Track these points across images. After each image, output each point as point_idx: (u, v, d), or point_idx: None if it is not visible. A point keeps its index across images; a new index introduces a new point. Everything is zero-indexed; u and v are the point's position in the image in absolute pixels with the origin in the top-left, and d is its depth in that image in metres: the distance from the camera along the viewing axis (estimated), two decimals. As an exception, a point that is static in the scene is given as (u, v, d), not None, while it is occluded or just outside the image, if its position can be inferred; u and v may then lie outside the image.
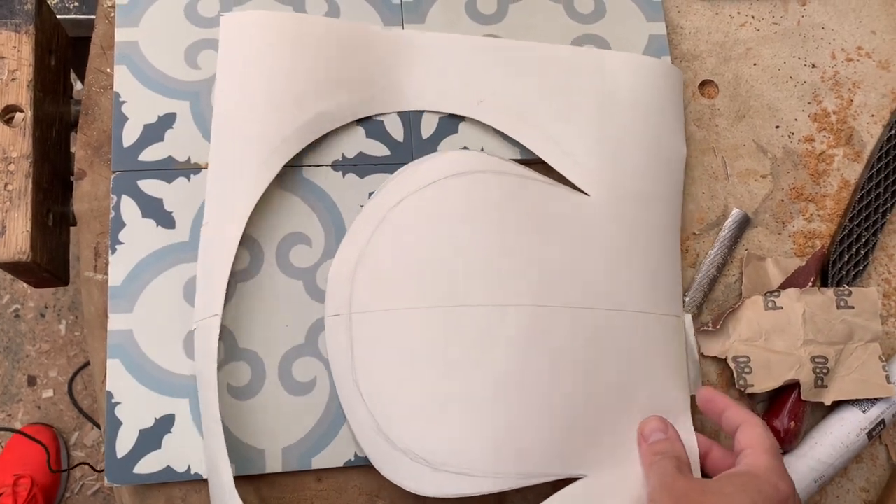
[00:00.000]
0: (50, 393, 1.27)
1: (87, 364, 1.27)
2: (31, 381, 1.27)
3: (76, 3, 0.72)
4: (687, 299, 0.54)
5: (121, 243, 0.49)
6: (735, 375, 0.52)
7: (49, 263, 0.53)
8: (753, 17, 0.60)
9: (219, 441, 0.44)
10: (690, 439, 0.47)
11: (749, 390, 0.52)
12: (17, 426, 1.25)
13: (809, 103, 0.59)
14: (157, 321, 0.49)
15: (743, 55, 0.60)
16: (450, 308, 0.47)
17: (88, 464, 1.16)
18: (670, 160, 0.54)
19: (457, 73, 0.54)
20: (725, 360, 0.53)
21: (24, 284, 1.28)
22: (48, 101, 0.55)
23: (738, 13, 0.60)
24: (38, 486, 1.17)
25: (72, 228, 0.57)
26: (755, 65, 0.59)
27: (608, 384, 0.47)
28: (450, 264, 0.48)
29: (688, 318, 0.53)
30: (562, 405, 0.46)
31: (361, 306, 0.48)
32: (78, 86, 0.70)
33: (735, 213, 0.56)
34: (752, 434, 0.43)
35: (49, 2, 0.67)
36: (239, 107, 0.50)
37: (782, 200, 0.57)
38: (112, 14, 0.55)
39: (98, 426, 1.24)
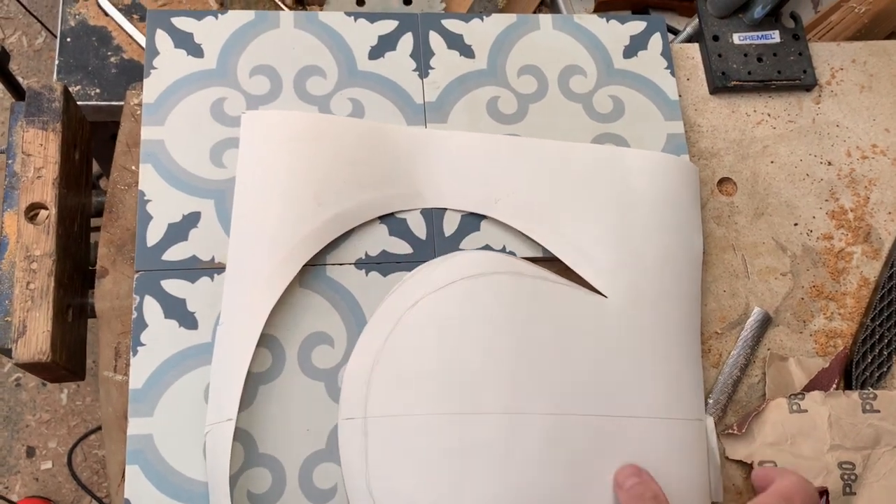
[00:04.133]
0: (49, 465, 1.25)
1: (87, 435, 1.25)
2: (30, 451, 1.25)
3: (97, 90, 0.73)
4: (711, 401, 0.53)
5: (142, 345, 0.49)
6: (762, 481, 0.51)
7: (67, 361, 0.53)
8: (769, 115, 0.61)
9: None
10: None
11: (776, 497, 0.51)
12: (15, 499, 1.22)
13: (827, 200, 0.59)
14: (178, 425, 0.48)
15: (760, 153, 0.60)
16: (467, 416, 0.47)
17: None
18: (689, 258, 0.54)
19: (475, 171, 0.54)
20: (751, 464, 0.52)
21: (27, 353, 1.27)
22: (71, 196, 0.55)
23: (755, 111, 0.61)
24: (34, 562, 1.14)
25: (90, 321, 0.57)
26: (772, 162, 0.60)
27: None
28: (467, 369, 0.48)
29: (710, 421, 0.52)
30: None
31: (377, 410, 0.47)
32: (95, 166, 0.70)
33: (756, 312, 0.55)
34: (787, 477, 0.44)
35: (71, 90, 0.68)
36: (257, 205, 0.51)
37: (802, 299, 0.57)
38: (138, 112, 0.56)
39: (98, 499, 1.22)
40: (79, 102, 0.62)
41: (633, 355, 0.49)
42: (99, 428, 1.25)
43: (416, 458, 0.46)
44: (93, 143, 0.61)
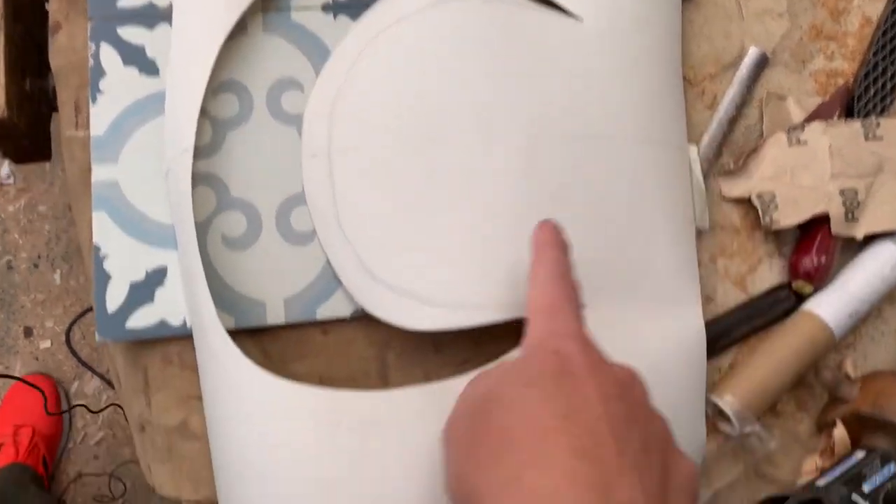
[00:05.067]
0: (47, 343, 1.24)
1: (84, 313, 1.24)
2: (28, 332, 1.24)
3: None
4: (706, 139, 0.51)
5: (101, 93, 0.46)
6: (760, 213, 0.49)
7: (29, 129, 0.50)
8: None
9: (202, 289, 0.41)
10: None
11: (775, 226, 0.49)
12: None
13: (825, -61, 0.56)
14: (144, 171, 0.45)
15: None
16: (434, 143, 0.44)
17: (86, 405, 1.13)
18: None
19: None
20: (749, 200, 0.50)
21: (16, 235, 1.26)
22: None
23: None
24: (39, 435, 1.14)
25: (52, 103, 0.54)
26: None
27: (611, 213, 0.44)
28: (434, 99, 0.45)
29: (693, 149, 0.49)
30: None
31: (341, 144, 0.45)
32: None
33: (752, 51, 0.52)
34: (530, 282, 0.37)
35: None
36: None
37: (801, 39, 0.54)
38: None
39: (99, 375, 1.22)
40: None
41: (612, 78, 0.46)
42: (95, 306, 1.24)
43: (384, 189, 0.44)
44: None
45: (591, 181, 0.44)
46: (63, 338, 1.23)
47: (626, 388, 0.31)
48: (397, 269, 0.42)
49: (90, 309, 1.23)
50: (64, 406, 1.21)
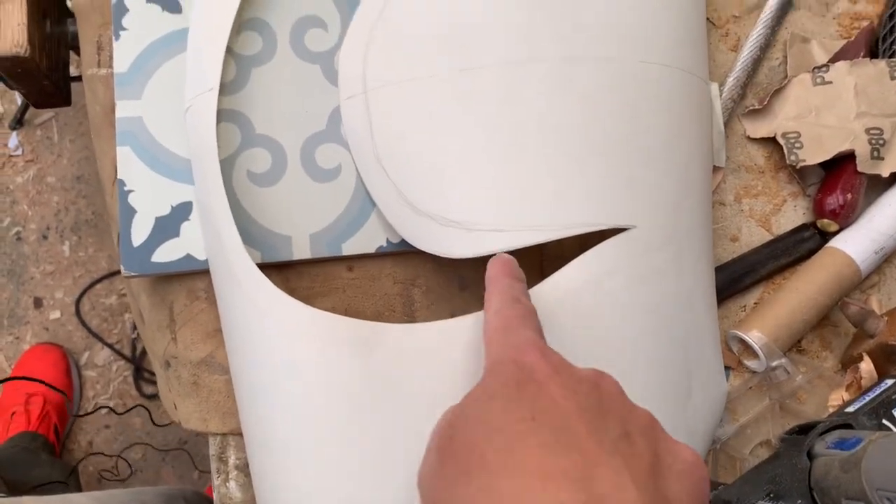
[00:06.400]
0: (57, 314, 1.24)
1: (94, 283, 1.24)
2: (38, 302, 1.24)
3: None
4: (730, 79, 0.50)
5: (125, 29, 0.46)
6: (785, 152, 0.49)
7: (49, 71, 0.50)
8: None
9: (226, 223, 0.40)
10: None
11: (800, 164, 0.48)
12: (25, 347, 1.22)
13: None
14: (169, 107, 0.45)
15: None
16: (468, 70, 0.44)
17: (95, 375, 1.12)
18: None
19: None
20: (773, 139, 0.50)
21: (25, 206, 1.25)
22: None
23: None
24: (50, 403, 1.14)
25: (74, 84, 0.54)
26: None
27: (648, 133, 0.43)
28: (468, 27, 0.44)
29: (714, 86, 0.49)
30: (600, 152, 0.42)
31: (377, 82, 0.44)
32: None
33: (776, -7, 0.52)
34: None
35: None
36: None
37: (825, -18, 0.53)
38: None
39: (108, 345, 1.22)
40: None
41: (645, 2, 0.46)
42: (105, 276, 1.24)
43: (420, 120, 0.43)
44: None
45: (627, 104, 0.43)
46: (73, 308, 1.24)
47: (594, 385, 0.29)
48: (439, 199, 0.42)
49: (99, 280, 1.23)
50: (74, 376, 1.21)
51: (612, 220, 0.42)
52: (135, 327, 1.22)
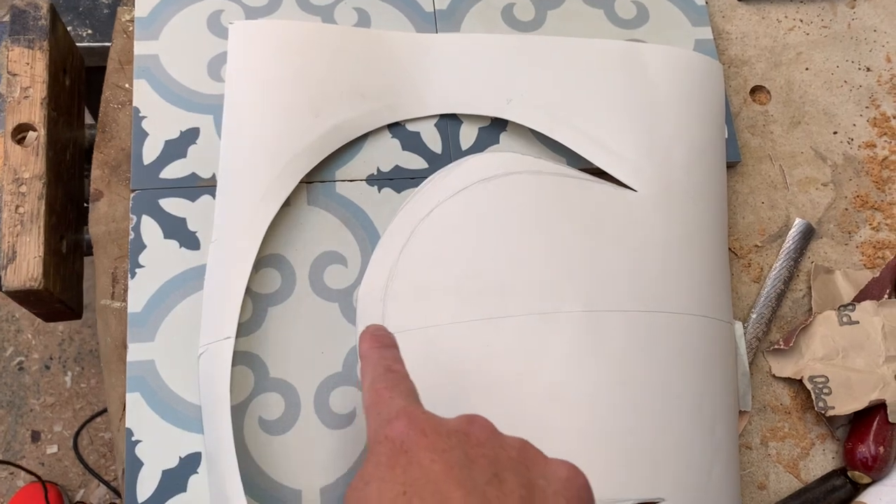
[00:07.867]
0: (54, 449, 1.21)
1: (93, 417, 1.21)
2: (35, 436, 1.21)
3: (89, 31, 0.69)
4: (754, 316, 0.49)
5: (141, 266, 0.45)
6: (813, 397, 0.47)
7: (62, 293, 0.49)
8: (801, 20, 0.58)
9: (234, 480, 0.39)
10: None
11: (830, 413, 0.47)
12: (20, 484, 1.19)
13: (867, 108, 0.56)
14: (182, 351, 0.44)
15: (793, 60, 0.56)
16: (493, 320, 0.43)
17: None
18: (716, 156, 0.50)
19: (482, 73, 0.50)
20: (800, 381, 0.48)
21: (29, 336, 1.24)
22: (62, 123, 0.51)
23: (786, 17, 0.58)
24: (42, 546, 1.10)
25: (86, 260, 0.53)
26: (807, 69, 0.56)
27: (673, 394, 0.42)
28: (489, 274, 0.44)
29: (738, 326, 0.48)
30: (625, 425, 0.41)
31: (396, 326, 0.44)
32: (90, 119, 0.67)
33: (798, 223, 0.52)
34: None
35: (62, 28, 0.65)
36: (248, 119, 0.47)
37: (846, 209, 0.53)
38: (130, 28, 0.52)
39: (105, 483, 1.19)
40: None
41: (665, 249, 0.45)
42: (105, 410, 1.21)
43: (442, 372, 0.42)
44: (86, 88, 0.58)
45: (651, 358, 0.42)
46: (71, 443, 1.21)
47: (461, 435, 0.31)
48: None
49: (100, 413, 1.21)
50: (68, 515, 1.17)
51: (643, 493, 0.40)
52: None
